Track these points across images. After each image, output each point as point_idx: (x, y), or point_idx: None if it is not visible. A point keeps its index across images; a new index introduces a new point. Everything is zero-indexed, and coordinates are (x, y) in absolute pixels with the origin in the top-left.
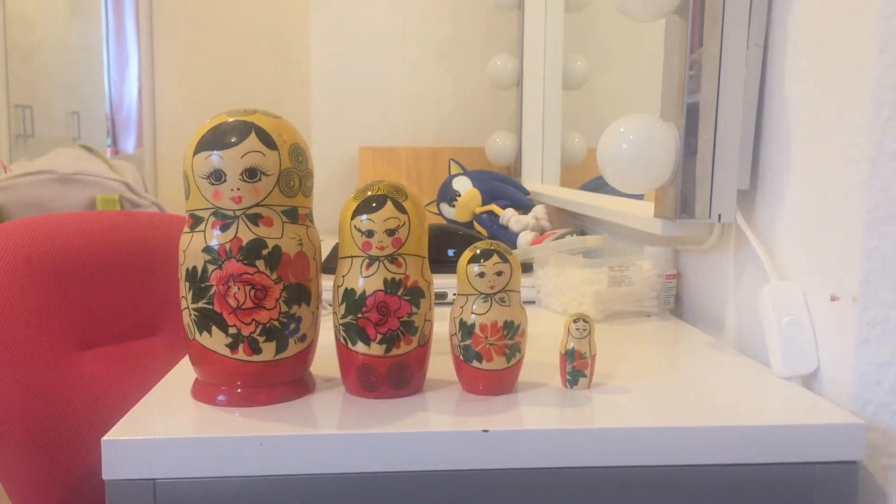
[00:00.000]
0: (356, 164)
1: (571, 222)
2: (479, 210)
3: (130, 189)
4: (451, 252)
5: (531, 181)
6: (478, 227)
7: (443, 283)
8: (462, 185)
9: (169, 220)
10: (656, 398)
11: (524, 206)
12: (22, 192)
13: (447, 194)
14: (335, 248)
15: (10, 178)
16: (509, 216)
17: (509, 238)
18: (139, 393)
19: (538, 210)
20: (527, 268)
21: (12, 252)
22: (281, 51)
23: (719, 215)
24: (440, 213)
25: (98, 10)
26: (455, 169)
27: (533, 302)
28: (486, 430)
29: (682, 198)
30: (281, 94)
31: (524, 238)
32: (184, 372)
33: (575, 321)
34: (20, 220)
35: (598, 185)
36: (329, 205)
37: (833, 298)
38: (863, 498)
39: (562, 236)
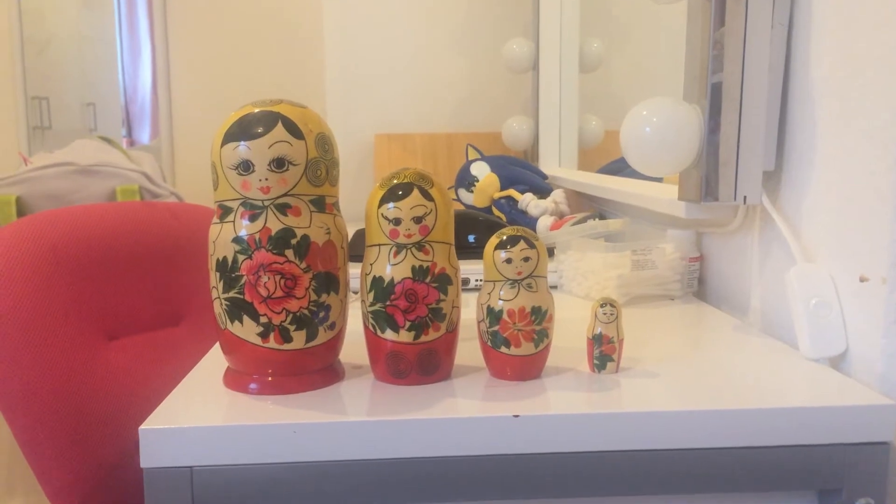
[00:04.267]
0: (372, 151)
1: (590, 206)
2: (497, 195)
3: (150, 179)
4: (471, 238)
5: (549, 165)
6: (496, 212)
7: (464, 268)
8: (480, 170)
9: (190, 209)
10: (685, 381)
11: (542, 191)
12: (43, 185)
13: (465, 180)
14: (356, 235)
15: (30, 170)
16: (528, 201)
17: (528, 223)
18: (165, 382)
19: (557, 194)
20: (548, 252)
21: (37, 244)
22: (295, 39)
23: (744, 197)
24: (458, 199)
25: (110, 1)
26: (473, 154)
27: (555, 287)
28: (516, 416)
29: (706, 180)
30: (296, 83)
31: (543, 222)
32: (215, 360)
33: (602, 306)
34: (44, 213)
35: (617, 167)
36: (346, 192)
37: (862, 279)
38: (893, 479)
39: (582, 220)
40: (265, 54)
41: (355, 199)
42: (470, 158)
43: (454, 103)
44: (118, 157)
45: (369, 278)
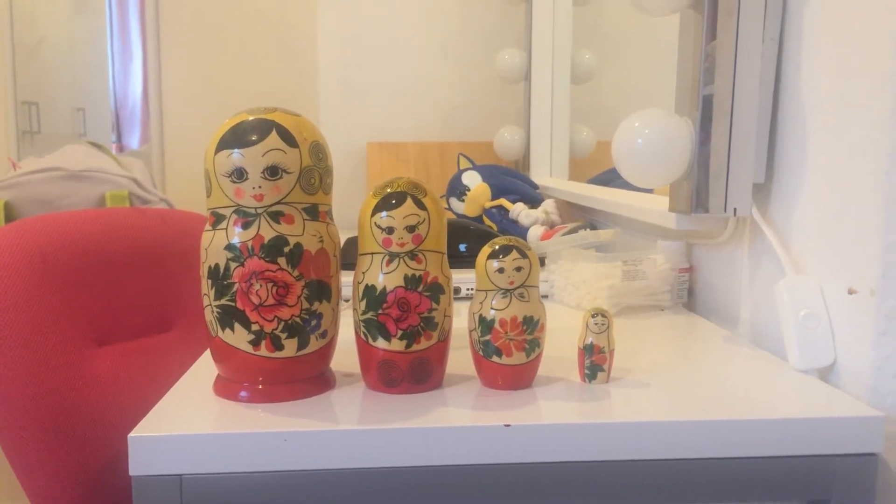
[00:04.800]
0: (364, 159)
1: (581, 216)
2: (488, 205)
3: (139, 185)
4: (462, 247)
5: (540, 175)
6: (487, 221)
7: (455, 277)
8: (471, 179)
9: (180, 216)
10: (675, 392)
11: (533, 201)
12: (31, 190)
13: (456, 189)
14: (348, 243)
15: (19, 175)
16: (519, 210)
17: (519, 232)
18: (155, 388)
19: (548, 204)
20: (539, 262)
21: (27, 250)
22: (288, 46)
23: (735, 209)
24: (449, 208)
25: (102, 6)
26: (464, 163)
27: (546, 296)
28: (507, 425)
29: (696, 192)
30: (289, 90)
31: (534, 232)
32: (205, 368)
33: (593, 316)
34: (33, 218)
35: (608, 178)
36: (339, 200)
37: (850, 291)
38: (881, 490)
39: (573, 230)
40: (258, 61)
41: (347, 206)
42: (461, 168)
43: (446, 112)
44: (108, 163)
45: (361, 287)
